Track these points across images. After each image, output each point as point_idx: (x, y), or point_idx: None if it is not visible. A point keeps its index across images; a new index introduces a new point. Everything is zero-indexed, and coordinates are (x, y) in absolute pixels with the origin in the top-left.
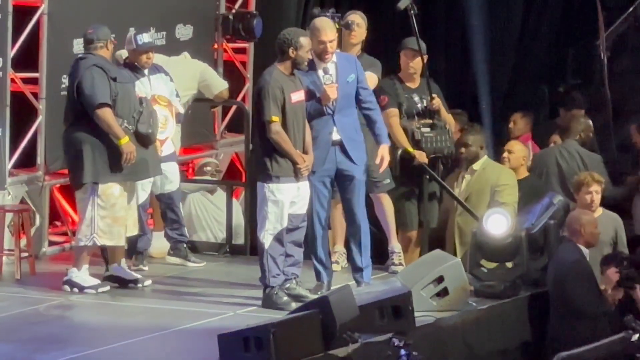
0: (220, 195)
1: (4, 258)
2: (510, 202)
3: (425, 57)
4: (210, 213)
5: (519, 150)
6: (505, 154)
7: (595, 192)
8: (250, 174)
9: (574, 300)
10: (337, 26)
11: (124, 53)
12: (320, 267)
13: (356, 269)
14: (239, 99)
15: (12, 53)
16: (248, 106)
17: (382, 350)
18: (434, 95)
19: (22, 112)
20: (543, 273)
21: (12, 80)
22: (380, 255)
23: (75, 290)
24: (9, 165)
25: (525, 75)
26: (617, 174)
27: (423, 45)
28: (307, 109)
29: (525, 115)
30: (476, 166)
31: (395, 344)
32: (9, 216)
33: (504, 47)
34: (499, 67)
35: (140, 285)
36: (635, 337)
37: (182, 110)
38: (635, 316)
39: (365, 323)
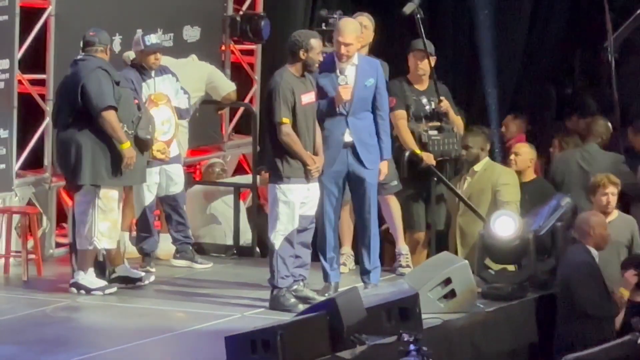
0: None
1: (11, 259)
2: (512, 201)
3: (434, 59)
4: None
5: (526, 153)
6: (512, 157)
7: (611, 194)
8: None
9: (581, 301)
10: None
11: (131, 54)
12: (328, 269)
13: (364, 271)
14: (247, 100)
15: (19, 54)
16: (255, 108)
17: (389, 352)
18: (441, 97)
19: (29, 113)
20: (550, 275)
21: (20, 82)
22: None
23: (82, 292)
24: (16, 166)
25: (533, 76)
26: None
27: (431, 47)
28: (322, 108)
29: (517, 117)
30: (477, 167)
31: (405, 339)
32: (16, 218)
33: (511, 49)
34: (507, 69)
35: (146, 282)
36: None
37: (183, 105)
38: None
39: (372, 325)
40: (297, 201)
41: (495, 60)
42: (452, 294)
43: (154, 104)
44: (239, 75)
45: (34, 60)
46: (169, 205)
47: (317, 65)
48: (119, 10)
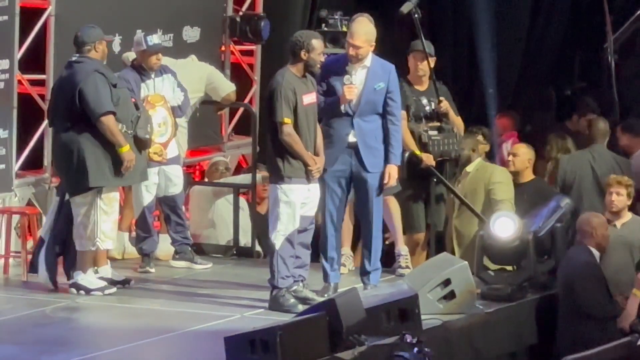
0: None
1: (11, 260)
2: (506, 199)
3: (434, 59)
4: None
5: (524, 154)
6: (510, 157)
7: (615, 194)
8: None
9: (583, 302)
10: (344, 29)
11: (130, 55)
12: (329, 269)
13: (364, 272)
14: (246, 101)
15: (19, 55)
16: (255, 108)
17: (388, 353)
18: (441, 98)
19: (29, 114)
20: (550, 276)
21: (19, 82)
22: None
23: (82, 292)
24: (16, 167)
25: (533, 78)
26: None
27: (431, 47)
28: (328, 107)
29: (508, 114)
30: (469, 168)
31: (408, 340)
32: (15, 218)
33: (511, 50)
34: (507, 70)
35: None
36: None
37: (178, 102)
38: None
39: (371, 326)
40: (298, 201)
41: (495, 61)
42: (451, 295)
43: (151, 105)
44: (239, 75)
45: (33, 61)
46: (167, 206)
47: (318, 65)
48: (118, 11)
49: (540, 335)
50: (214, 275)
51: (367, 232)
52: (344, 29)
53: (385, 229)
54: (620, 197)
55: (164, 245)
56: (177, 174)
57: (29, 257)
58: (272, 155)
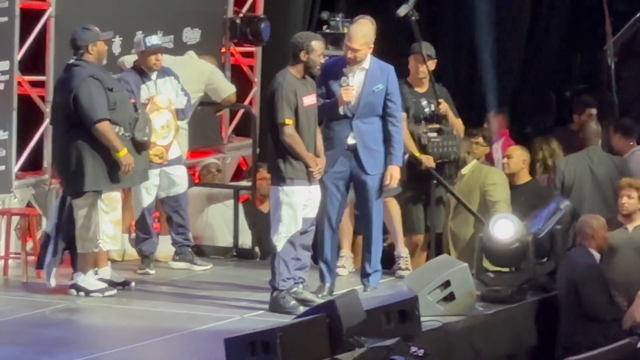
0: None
1: (10, 261)
2: (502, 199)
3: (435, 61)
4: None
5: (518, 155)
6: (505, 160)
7: (626, 196)
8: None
9: (585, 304)
10: (345, 30)
11: (128, 59)
12: (325, 270)
13: (364, 274)
14: (247, 102)
15: (19, 56)
16: (255, 110)
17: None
18: (440, 100)
19: (29, 115)
20: (550, 278)
21: (19, 84)
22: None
23: (82, 294)
24: (16, 168)
25: (533, 80)
26: None
27: (431, 49)
28: (327, 109)
29: (500, 113)
30: (464, 171)
31: (414, 352)
32: (15, 219)
33: (511, 52)
34: (507, 73)
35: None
36: None
37: (181, 106)
38: None
39: (371, 327)
40: (299, 203)
41: (495, 64)
42: (451, 297)
43: (156, 107)
44: (239, 77)
45: (33, 62)
46: (170, 207)
47: (318, 67)
48: (119, 12)
49: (539, 336)
50: (213, 277)
51: (367, 235)
52: (345, 31)
53: (385, 230)
54: (631, 200)
55: (164, 247)
56: (180, 174)
57: (29, 258)
58: (274, 156)
